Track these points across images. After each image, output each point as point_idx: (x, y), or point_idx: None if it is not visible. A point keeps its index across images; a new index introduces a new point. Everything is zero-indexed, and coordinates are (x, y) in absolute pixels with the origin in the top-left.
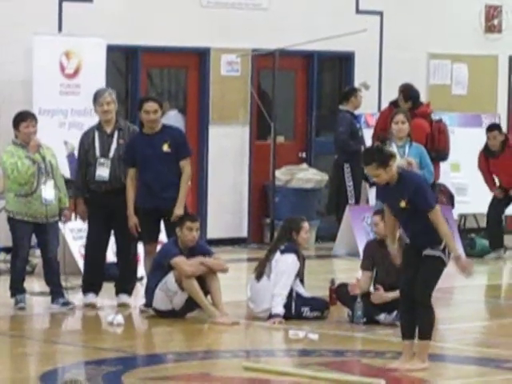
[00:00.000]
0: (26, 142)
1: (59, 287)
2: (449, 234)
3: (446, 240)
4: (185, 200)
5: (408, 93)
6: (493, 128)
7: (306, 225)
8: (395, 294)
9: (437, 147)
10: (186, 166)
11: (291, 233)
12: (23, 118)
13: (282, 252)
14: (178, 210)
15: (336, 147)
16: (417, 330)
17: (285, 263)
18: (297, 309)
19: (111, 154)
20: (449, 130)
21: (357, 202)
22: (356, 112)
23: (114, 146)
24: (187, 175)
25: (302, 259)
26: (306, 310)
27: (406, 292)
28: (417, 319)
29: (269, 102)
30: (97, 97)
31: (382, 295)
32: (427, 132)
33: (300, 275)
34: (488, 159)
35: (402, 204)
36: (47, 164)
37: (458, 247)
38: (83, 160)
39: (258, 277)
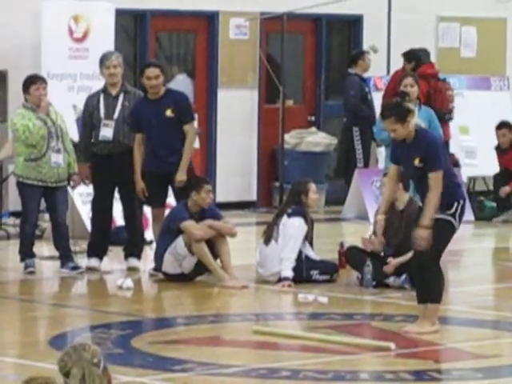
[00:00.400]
0: (37, 105)
1: (68, 251)
2: (435, 203)
3: (428, 206)
4: (187, 165)
5: (410, 54)
6: (501, 126)
7: (313, 186)
8: (405, 257)
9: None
10: (190, 130)
11: (300, 196)
12: (33, 81)
13: (289, 215)
14: (180, 176)
15: (346, 111)
16: None
17: (292, 226)
18: (306, 272)
19: (116, 115)
20: (452, 91)
21: (366, 165)
22: (365, 75)
23: (118, 107)
24: (191, 140)
25: (310, 222)
26: (315, 273)
27: (419, 256)
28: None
29: (277, 66)
30: (103, 60)
31: (392, 265)
32: (422, 91)
33: (308, 238)
34: (501, 155)
35: (416, 162)
36: (57, 128)
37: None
38: (88, 122)
39: (267, 241)
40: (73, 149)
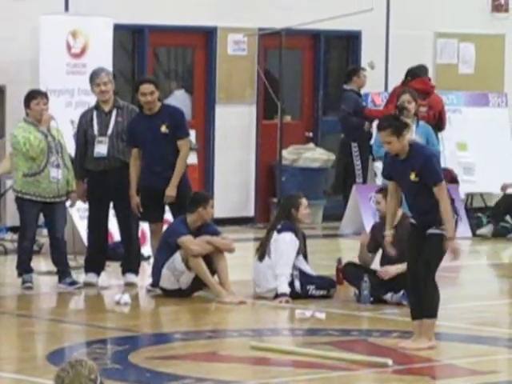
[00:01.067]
0: (37, 120)
1: (66, 267)
2: (449, 212)
3: (445, 217)
4: (178, 180)
5: (409, 70)
6: None
7: (304, 200)
8: (401, 266)
9: None
10: (184, 146)
11: (290, 210)
12: (34, 96)
13: (279, 231)
14: (170, 191)
15: (341, 125)
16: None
17: (283, 242)
18: (302, 287)
19: (109, 131)
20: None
21: (364, 181)
22: (362, 91)
23: (112, 123)
24: (183, 156)
25: (301, 236)
26: (311, 288)
27: (412, 272)
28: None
29: (275, 82)
30: (93, 77)
31: (387, 270)
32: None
33: (302, 252)
34: None
35: (412, 176)
36: (57, 143)
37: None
38: (82, 140)
39: (261, 257)
40: (71, 166)
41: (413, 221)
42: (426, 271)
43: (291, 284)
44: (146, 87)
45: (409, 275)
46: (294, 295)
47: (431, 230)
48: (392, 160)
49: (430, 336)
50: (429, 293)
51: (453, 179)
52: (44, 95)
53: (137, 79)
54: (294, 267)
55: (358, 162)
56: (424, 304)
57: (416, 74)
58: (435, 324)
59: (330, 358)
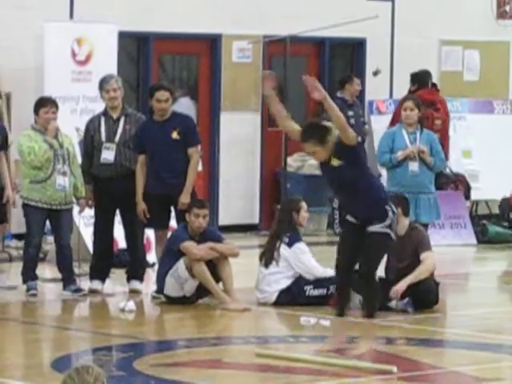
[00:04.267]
0: (45, 128)
1: (71, 274)
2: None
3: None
4: (191, 188)
5: (415, 76)
6: None
7: (304, 204)
8: (408, 279)
9: None
10: (194, 153)
11: (291, 214)
12: (43, 104)
13: (290, 245)
14: (184, 198)
15: None
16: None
17: (301, 252)
18: (299, 289)
19: (117, 138)
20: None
21: None
22: (367, 98)
23: (119, 130)
24: (195, 163)
25: None
26: (308, 289)
27: (342, 270)
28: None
29: (280, 89)
30: (103, 83)
31: (397, 290)
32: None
33: None
34: None
35: (335, 162)
36: (64, 151)
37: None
38: (89, 146)
39: (267, 264)
40: (80, 173)
41: (351, 218)
42: (369, 269)
43: (288, 289)
44: (162, 94)
45: (338, 273)
46: (293, 301)
47: (373, 228)
48: (325, 168)
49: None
50: (371, 290)
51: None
52: (54, 104)
53: (151, 85)
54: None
55: None
56: (364, 301)
57: (423, 82)
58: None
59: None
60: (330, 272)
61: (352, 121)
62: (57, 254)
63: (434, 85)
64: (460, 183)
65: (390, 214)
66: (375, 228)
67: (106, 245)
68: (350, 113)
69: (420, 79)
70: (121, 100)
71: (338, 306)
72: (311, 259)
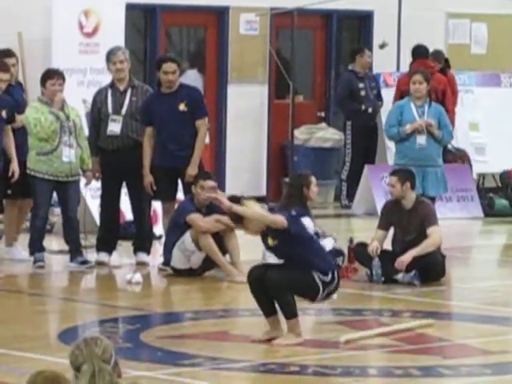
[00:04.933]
0: (51, 100)
1: (78, 246)
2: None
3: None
4: (198, 160)
5: (414, 49)
6: None
7: (313, 178)
8: (414, 251)
9: None
10: (202, 125)
11: (302, 189)
12: (50, 76)
13: None
14: (191, 170)
15: (338, 108)
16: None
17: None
18: None
19: (123, 110)
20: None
21: (371, 161)
22: (374, 71)
23: (126, 102)
24: (202, 135)
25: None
26: None
27: (253, 278)
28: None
29: (287, 62)
30: (110, 55)
31: (402, 261)
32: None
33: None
34: None
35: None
36: (71, 123)
37: None
38: (96, 118)
39: None
40: (87, 145)
41: None
42: (278, 277)
43: None
44: (169, 66)
45: (249, 281)
46: None
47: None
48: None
49: (298, 332)
50: (282, 297)
51: (466, 160)
52: (61, 76)
53: (159, 57)
54: None
55: (348, 141)
56: (280, 308)
57: (418, 54)
58: (298, 320)
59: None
60: (329, 245)
61: (363, 93)
62: (63, 226)
63: (446, 60)
64: (463, 158)
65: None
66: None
67: (113, 217)
68: (361, 85)
69: (416, 52)
70: (128, 72)
71: (264, 309)
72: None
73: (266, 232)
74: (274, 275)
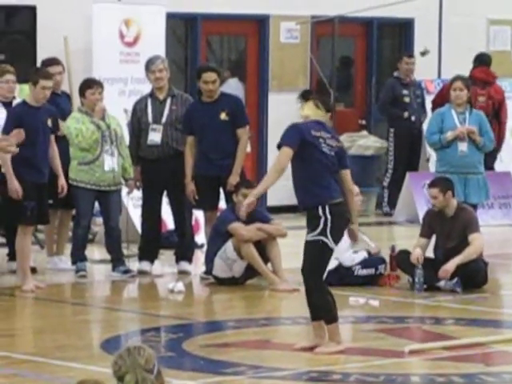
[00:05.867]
0: (92, 109)
1: (120, 255)
2: (268, 180)
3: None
4: (240, 169)
5: (476, 56)
6: None
7: (356, 187)
8: (457, 258)
9: None
10: (244, 134)
11: None
12: (89, 85)
13: None
14: (233, 179)
15: (380, 114)
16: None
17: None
18: (347, 269)
19: (164, 119)
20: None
21: (414, 169)
22: (417, 78)
23: (166, 112)
24: (244, 144)
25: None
26: (357, 268)
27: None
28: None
29: (328, 70)
30: (149, 64)
31: (447, 269)
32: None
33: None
34: None
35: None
36: (112, 132)
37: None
38: (136, 127)
39: None
40: (129, 154)
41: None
42: (309, 279)
43: (336, 269)
44: (209, 75)
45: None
46: (341, 281)
47: (307, 237)
48: None
49: (338, 340)
50: (319, 300)
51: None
52: (99, 85)
53: (199, 66)
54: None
55: (391, 148)
56: (319, 311)
57: (480, 61)
58: (338, 327)
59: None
60: (357, 259)
61: (407, 99)
62: (106, 236)
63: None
64: None
65: (321, 219)
66: (308, 237)
67: (154, 226)
68: (405, 91)
69: (478, 60)
70: (167, 81)
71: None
72: (347, 249)
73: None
74: (304, 273)
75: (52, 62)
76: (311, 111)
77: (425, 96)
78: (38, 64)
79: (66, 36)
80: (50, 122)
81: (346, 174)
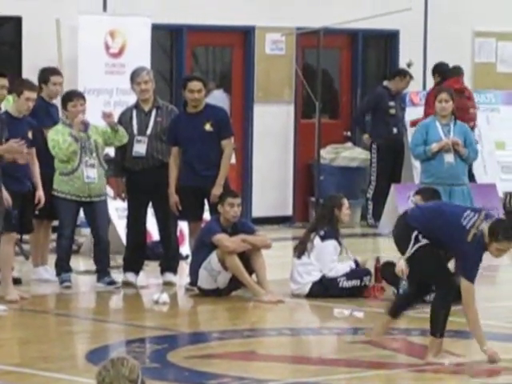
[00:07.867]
0: (73, 121)
1: (106, 266)
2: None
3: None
4: (223, 180)
5: (435, 68)
6: None
7: (346, 201)
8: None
9: None
10: (228, 145)
11: (333, 210)
12: (70, 98)
13: (323, 238)
14: (216, 190)
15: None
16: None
17: (327, 253)
18: (332, 281)
19: (149, 131)
20: (475, 108)
21: (397, 180)
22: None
23: (151, 123)
24: (228, 155)
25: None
26: (342, 280)
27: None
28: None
29: (313, 81)
30: (134, 76)
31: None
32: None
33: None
34: None
35: None
36: (92, 143)
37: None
38: None
39: (299, 255)
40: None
41: None
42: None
43: (321, 281)
44: (195, 84)
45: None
46: (326, 293)
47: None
48: None
49: (433, 353)
50: (435, 313)
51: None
52: (81, 96)
53: (177, 78)
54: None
55: (374, 161)
56: (430, 320)
57: (443, 72)
58: (436, 342)
59: None
60: (345, 269)
61: (392, 111)
62: (94, 246)
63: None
64: None
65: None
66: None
67: (139, 237)
68: (391, 103)
69: (440, 70)
70: (152, 92)
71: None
72: (333, 261)
73: None
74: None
75: (54, 71)
76: None
77: (406, 107)
78: (24, 75)
79: (60, 46)
80: (30, 135)
81: None
